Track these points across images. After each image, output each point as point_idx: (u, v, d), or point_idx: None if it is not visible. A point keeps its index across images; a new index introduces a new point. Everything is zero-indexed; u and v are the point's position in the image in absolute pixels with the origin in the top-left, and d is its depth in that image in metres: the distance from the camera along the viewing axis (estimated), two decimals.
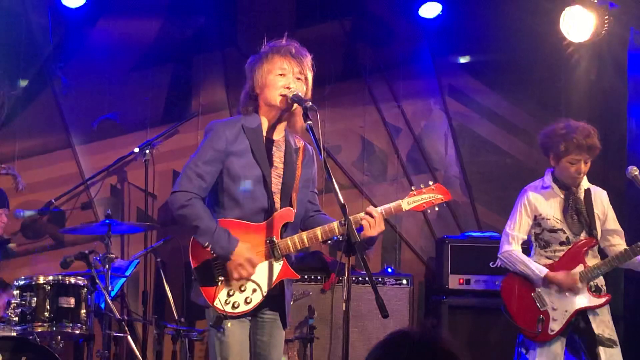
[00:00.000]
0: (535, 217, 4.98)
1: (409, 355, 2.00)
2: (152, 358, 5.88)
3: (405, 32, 6.90)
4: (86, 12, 6.41)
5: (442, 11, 6.64)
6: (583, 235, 4.94)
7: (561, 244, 4.94)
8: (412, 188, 3.79)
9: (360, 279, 5.93)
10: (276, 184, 3.77)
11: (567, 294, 4.85)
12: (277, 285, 3.73)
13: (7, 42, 6.34)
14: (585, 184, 5.00)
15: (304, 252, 5.97)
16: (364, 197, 6.73)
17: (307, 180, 3.89)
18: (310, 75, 3.81)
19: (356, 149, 6.83)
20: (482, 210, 6.83)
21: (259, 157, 3.73)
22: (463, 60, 7.04)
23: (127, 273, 5.69)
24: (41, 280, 4.93)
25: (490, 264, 5.48)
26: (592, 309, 4.85)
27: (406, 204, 3.75)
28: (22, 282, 4.93)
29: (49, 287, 4.92)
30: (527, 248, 5.07)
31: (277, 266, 3.71)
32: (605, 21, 6.08)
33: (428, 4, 6.64)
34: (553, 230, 4.94)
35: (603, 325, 4.84)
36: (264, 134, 3.80)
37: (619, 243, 5.00)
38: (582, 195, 4.97)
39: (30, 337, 4.82)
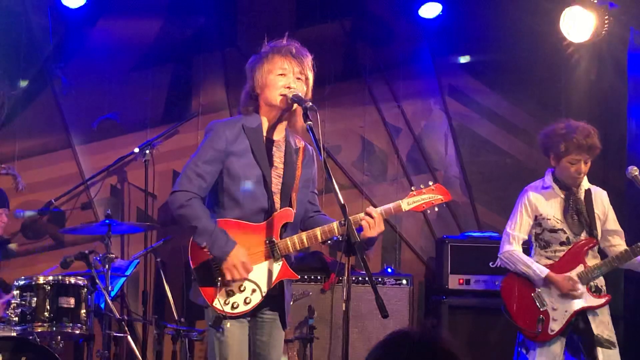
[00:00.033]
0: (536, 217, 4.98)
1: (409, 355, 2.00)
2: (152, 358, 5.88)
3: (405, 32, 6.90)
4: (86, 12, 6.41)
5: (442, 11, 6.64)
6: (583, 236, 4.94)
7: (561, 244, 4.94)
8: (412, 188, 3.78)
9: (360, 279, 5.93)
10: (276, 184, 3.77)
11: (567, 294, 4.85)
12: (276, 286, 3.72)
13: (7, 42, 6.34)
14: (585, 184, 5.00)
15: (304, 253, 5.97)
16: (364, 197, 6.74)
17: (307, 180, 3.89)
18: (311, 76, 3.81)
19: (356, 149, 6.83)
20: (482, 210, 6.83)
21: (259, 157, 3.73)
22: (463, 60, 7.04)
23: (127, 273, 5.69)
24: (41, 280, 4.93)
25: (490, 264, 5.48)
26: (592, 309, 4.85)
27: (406, 204, 3.74)
28: (22, 282, 4.93)
29: (49, 287, 4.92)
30: (527, 248, 5.07)
31: (277, 266, 3.71)
32: (605, 21, 6.09)
33: (428, 4, 6.64)
34: (553, 231, 4.94)
35: (602, 326, 4.84)
36: (264, 134, 3.80)
37: (619, 243, 5.00)
38: (582, 195, 4.97)
39: (30, 337, 4.82)
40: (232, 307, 3.64)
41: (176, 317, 5.58)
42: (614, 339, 4.83)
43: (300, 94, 3.70)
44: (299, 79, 3.76)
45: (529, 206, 4.99)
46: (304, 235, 3.71)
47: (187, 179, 3.71)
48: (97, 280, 5.02)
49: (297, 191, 3.81)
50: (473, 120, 6.92)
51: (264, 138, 3.79)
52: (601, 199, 5.03)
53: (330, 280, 5.98)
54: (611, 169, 6.26)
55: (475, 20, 6.77)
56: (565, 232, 4.93)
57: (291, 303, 3.98)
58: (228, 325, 3.63)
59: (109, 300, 4.99)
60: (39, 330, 4.86)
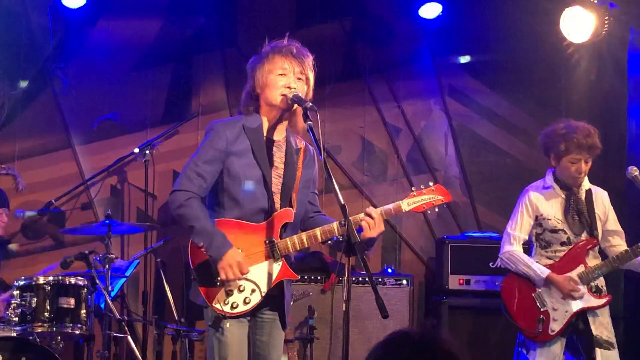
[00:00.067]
0: (537, 217, 4.98)
1: (409, 356, 1.99)
2: (152, 358, 5.88)
3: (405, 32, 6.90)
4: (86, 13, 6.41)
5: (442, 11, 6.64)
6: (584, 236, 4.94)
7: (562, 244, 4.94)
8: (412, 189, 3.78)
9: (360, 279, 5.93)
10: (276, 184, 3.77)
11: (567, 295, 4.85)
12: (276, 286, 3.72)
13: (7, 43, 6.34)
14: (586, 184, 5.00)
15: (304, 253, 5.97)
16: (364, 197, 6.73)
17: (308, 180, 3.89)
18: (311, 76, 3.81)
19: (356, 149, 6.83)
20: (482, 211, 6.83)
21: (259, 157, 3.73)
22: (463, 60, 7.04)
23: (127, 273, 5.69)
24: (41, 280, 4.93)
25: (490, 264, 5.48)
26: (593, 309, 4.85)
27: (406, 204, 3.74)
28: (22, 283, 4.93)
29: (49, 288, 4.92)
30: (527, 248, 5.07)
31: (277, 266, 3.71)
32: (605, 21, 6.09)
33: (428, 4, 6.64)
34: (554, 231, 4.94)
35: (602, 327, 4.84)
36: (265, 134, 3.80)
37: (619, 244, 5.00)
38: (583, 195, 4.97)
39: (30, 338, 4.82)
40: (232, 307, 3.64)
41: (176, 318, 5.58)
42: (613, 339, 4.83)
43: (300, 94, 3.70)
44: (299, 79, 3.76)
45: (529, 206, 4.99)
46: (303, 235, 3.71)
47: (187, 178, 3.71)
48: (97, 281, 5.02)
49: (298, 191, 3.81)
50: (473, 120, 6.92)
51: (265, 138, 3.79)
52: (602, 199, 5.03)
53: (330, 280, 5.98)
54: (611, 169, 6.26)
55: (475, 20, 6.77)
56: (566, 233, 4.93)
57: (291, 303, 3.98)
58: (227, 325, 3.63)
59: (109, 301, 4.99)
60: (39, 330, 4.86)
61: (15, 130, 6.40)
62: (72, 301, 4.95)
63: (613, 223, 5.03)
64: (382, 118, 6.85)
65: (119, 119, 6.54)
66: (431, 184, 3.81)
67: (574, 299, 4.83)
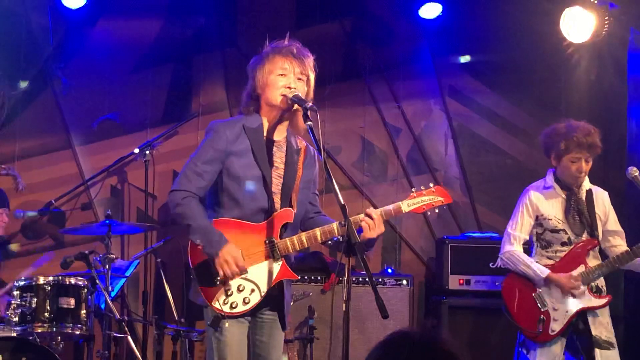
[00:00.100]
0: (537, 217, 4.98)
1: (409, 356, 1.99)
2: (152, 358, 5.89)
3: (405, 32, 6.90)
4: (86, 13, 6.41)
5: (442, 11, 6.64)
6: (584, 236, 4.93)
7: (563, 244, 4.94)
8: (413, 190, 3.78)
9: (360, 279, 5.93)
10: (276, 185, 3.77)
11: (568, 294, 4.84)
12: (276, 286, 3.72)
13: (7, 43, 6.34)
14: (587, 184, 5.00)
15: (304, 253, 5.97)
16: (364, 197, 6.73)
17: (308, 181, 3.89)
18: (312, 76, 3.81)
19: (356, 149, 6.83)
20: (482, 211, 6.83)
21: (259, 157, 3.73)
22: (463, 60, 7.03)
23: (127, 273, 5.69)
24: (41, 280, 4.93)
25: (491, 265, 5.48)
26: (593, 309, 4.85)
27: (406, 205, 3.74)
28: (22, 283, 4.93)
29: (49, 288, 4.92)
30: (527, 248, 5.07)
31: (276, 266, 3.71)
32: (606, 22, 6.09)
33: (428, 4, 6.64)
34: (555, 231, 4.94)
35: (601, 327, 4.84)
36: (265, 134, 3.80)
37: (620, 244, 5.00)
38: (583, 195, 4.97)
39: (31, 338, 4.82)
40: (231, 307, 3.63)
41: (176, 318, 5.58)
42: (613, 339, 4.83)
43: (300, 94, 3.70)
44: (299, 79, 3.76)
45: (530, 206, 4.99)
46: (303, 235, 3.71)
47: (186, 178, 3.72)
48: (97, 281, 5.02)
49: (298, 192, 3.81)
50: (473, 121, 6.92)
51: (265, 138, 3.79)
52: (602, 200, 5.02)
53: (330, 280, 5.98)
54: (611, 169, 6.26)
55: (475, 20, 6.76)
56: (566, 233, 4.93)
57: (291, 303, 3.98)
58: (227, 325, 3.63)
59: (109, 301, 4.99)
60: (39, 330, 4.86)
61: (15, 130, 6.40)
62: (72, 301, 4.96)
63: (613, 223, 5.03)
64: (382, 118, 6.85)
65: (119, 119, 6.54)
66: (431, 185, 3.81)
67: (575, 296, 4.83)
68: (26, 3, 6.37)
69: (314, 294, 5.87)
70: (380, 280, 6.05)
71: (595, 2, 6.07)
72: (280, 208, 3.75)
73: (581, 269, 4.86)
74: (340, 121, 6.77)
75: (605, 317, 4.88)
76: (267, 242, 3.70)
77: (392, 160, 6.84)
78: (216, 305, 3.62)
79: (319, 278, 6.02)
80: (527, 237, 5.03)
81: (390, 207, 3.71)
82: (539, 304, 4.88)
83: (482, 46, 6.94)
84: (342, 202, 3.37)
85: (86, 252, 4.99)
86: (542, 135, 5.05)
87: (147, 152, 6.20)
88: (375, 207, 3.69)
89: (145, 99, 6.59)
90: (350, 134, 6.83)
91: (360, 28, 6.90)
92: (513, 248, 4.98)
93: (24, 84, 6.44)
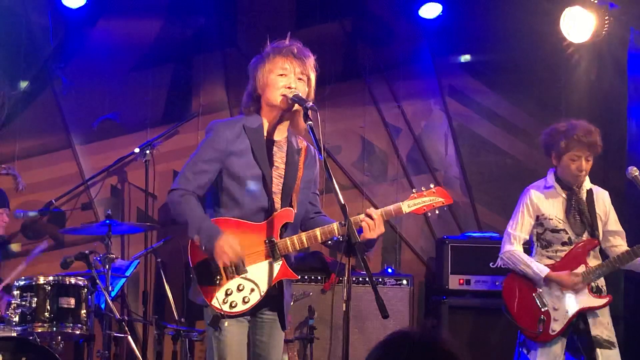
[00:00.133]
0: (538, 217, 4.98)
1: (409, 356, 1.99)
2: (152, 358, 5.88)
3: (405, 32, 6.90)
4: (86, 13, 6.41)
5: (442, 11, 6.64)
6: (585, 236, 4.93)
7: (563, 244, 4.94)
8: (413, 190, 3.78)
9: (360, 279, 5.93)
10: (277, 184, 3.77)
11: (568, 294, 4.85)
12: (276, 286, 3.72)
13: (7, 43, 6.34)
14: (587, 184, 5.00)
15: (304, 253, 5.97)
16: (364, 197, 6.73)
17: (309, 181, 3.89)
18: (313, 76, 3.81)
19: (356, 149, 6.83)
20: (482, 211, 6.83)
21: (259, 157, 3.74)
22: (463, 60, 7.04)
23: (128, 273, 5.69)
24: (41, 280, 4.93)
25: (491, 264, 5.48)
26: (593, 309, 4.85)
27: (406, 206, 3.74)
28: (22, 283, 4.93)
29: (49, 288, 4.92)
30: (528, 248, 5.07)
31: (276, 266, 3.71)
32: (606, 21, 6.09)
33: (428, 4, 6.64)
34: (555, 231, 4.94)
35: (602, 327, 4.83)
36: (265, 134, 3.80)
37: (620, 244, 5.00)
38: (584, 195, 4.97)
39: (31, 338, 4.82)
40: (231, 306, 3.63)
41: (176, 318, 5.58)
42: (613, 339, 4.83)
43: (300, 94, 3.70)
44: (300, 79, 3.76)
45: (530, 206, 4.99)
46: (303, 235, 3.71)
47: (185, 177, 3.74)
48: (97, 281, 5.02)
49: (298, 192, 3.81)
50: (473, 121, 6.92)
51: (265, 138, 3.79)
52: (603, 200, 5.02)
53: (330, 280, 5.98)
54: (611, 169, 6.26)
55: (475, 20, 6.77)
56: (567, 233, 4.93)
57: (291, 303, 3.97)
58: (226, 324, 3.63)
59: (109, 301, 4.99)
60: (39, 330, 4.86)
61: (15, 130, 6.40)
62: (72, 301, 4.96)
63: (614, 223, 5.03)
64: (382, 118, 6.85)
65: (119, 119, 6.54)
66: (432, 186, 3.81)
67: (577, 293, 4.82)
68: (26, 3, 6.37)
69: (314, 294, 5.87)
70: (380, 280, 6.06)
71: (595, 2, 6.07)
72: (281, 208, 3.75)
73: (581, 269, 4.86)
74: (340, 121, 6.77)
75: (605, 317, 4.88)
76: (267, 241, 3.70)
77: (392, 160, 6.85)
78: (215, 304, 3.62)
79: (319, 278, 6.02)
80: (528, 237, 5.03)
81: (391, 207, 3.71)
82: (539, 304, 4.88)
83: (482, 46, 6.94)
84: (342, 202, 3.37)
85: (86, 252, 5.00)
86: (543, 134, 5.06)
87: (147, 152, 6.20)
88: (376, 207, 3.69)
89: (145, 99, 6.59)
90: (350, 134, 6.83)
91: (360, 28, 6.90)
92: (513, 248, 4.98)
93: (24, 84, 6.45)
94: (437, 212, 3.78)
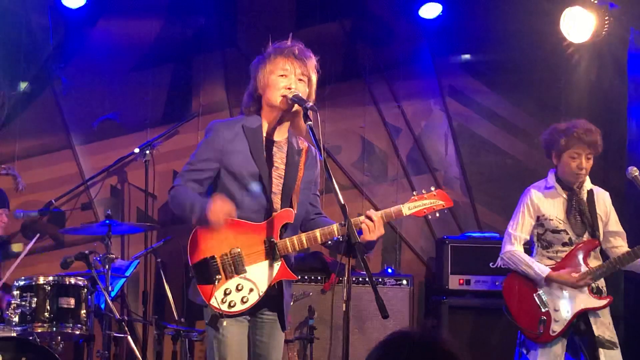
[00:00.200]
0: (538, 217, 4.98)
1: (409, 356, 1.99)
2: (152, 358, 5.88)
3: (405, 32, 6.89)
4: (86, 13, 6.41)
5: (442, 11, 6.63)
6: (586, 237, 4.93)
7: (564, 244, 4.93)
8: (414, 193, 3.78)
9: (360, 279, 5.93)
10: (277, 185, 3.77)
11: (568, 295, 4.84)
12: (275, 286, 3.72)
13: (7, 43, 6.34)
14: (588, 184, 5.00)
15: (304, 253, 5.97)
16: (364, 197, 6.73)
17: (309, 182, 3.89)
18: (314, 77, 3.81)
19: (356, 149, 6.83)
20: (482, 211, 6.83)
21: (257, 157, 3.74)
22: (463, 60, 7.03)
23: (127, 273, 5.69)
24: (41, 280, 4.93)
25: (491, 264, 5.48)
26: (594, 310, 4.84)
27: (407, 209, 3.74)
28: (22, 283, 4.93)
29: (49, 288, 4.92)
30: (528, 248, 5.07)
31: (275, 266, 3.71)
32: (606, 22, 6.09)
33: (428, 4, 6.63)
34: (556, 231, 4.94)
35: (603, 327, 4.83)
36: (265, 134, 3.80)
37: (621, 245, 5.00)
38: (585, 196, 4.97)
39: (31, 338, 4.82)
40: (229, 306, 3.63)
41: (176, 318, 5.58)
42: (615, 339, 4.83)
43: (300, 95, 3.70)
44: (300, 80, 3.76)
45: (531, 206, 4.99)
46: (303, 236, 3.70)
47: (182, 177, 3.78)
48: (97, 281, 5.02)
49: (299, 192, 3.81)
50: (473, 121, 6.92)
51: (264, 138, 3.79)
52: (603, 200, 5.02)
53: (330, 280, 5.98)
54: (611, 169, 6.26)
55: (475, 20, 6.76)
56: (567, 233, 4.92)
57: (291, 303, 3.97)
58: (225, 323, 3.63)
59: (109, 301, 4.99)
60: (39, 330, 4.86)
61: (15, 130, 6.40)
62: (72, 301, 4.96)
63: (615, 224, 5.02)
64: (382, 118, 6.85)
65: (119, 119, 6.54)
66: (433, 188, 3.81)
67: (577, 294, 4.81)
68: (26, 3, 6.37)
69: (314, 294, 5.87)
70: (380, 280, 6.05)
71: (595, 2, 6.07)
72: (281, 208, 3.75)
73: (582, 269, 4.86)
74: (340, 121, 6.77)
75: (606, 317, 4.87)
76: (266, 242, 3.70)
77: (392, 160, 6.84)
78: (214, 304, 3.62)
79: (319, 278, 6.02)
80: (528, 237, 5.02)
81: (391, 210, 3.71)
82: (539, 305, 4.87)
83: (482, 46, 6.94)
84: (342, 202, 3.37)
85: (86, 252, 4.99)
86: (543, 134, 5.07)
87: (147, 152, 6.20)
88: (376, 207, 3.70)
89: (145, 99, 6.59)
90: (350, 134, 6.83)
91: (360, 28, 6.89)
92: (514, 248, 4.98)
93: (24, 84, 6.44)
94: (437, 215, 3.79)
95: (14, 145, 6.39)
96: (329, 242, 3.81)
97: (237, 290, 3.65)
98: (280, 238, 3.71)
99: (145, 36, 6.61)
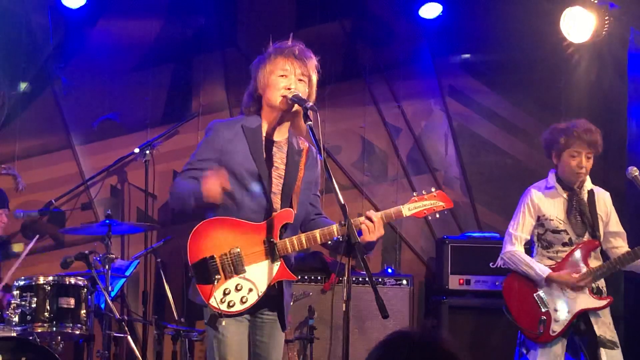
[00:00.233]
0: (539, 217, 4.98)
1: (409, 356, 2.00)
2: (152, 358, 5.89)
3: (405, 32, 6.90)
4: (86, 13, 6.41)
5: (442, 11, 6.63)
6: (586, 237, 4.93)
7: (564, 245, 4.93)
8: (414, 194, 3.77)
9: (360, 279, 5.93)
10: (277, 185, 3.77)
11: (569, 295, 4.84)
12: (275, 286, 3.72)
13: (7, 43, 6.34)
14: (588, 185, 5.00)
15: (304, 253, 5.97)
16: (364, 197, 6.73)
17: (310, 182, 3.89)
18: (314, 77, 3.80)
19: (356, 149, 6.83)
20: (482, 211, 6.83)
21: (256, 157, 3.74)
22: (463, 60, 7.03)
23: (127, 273, 5.69)
24: (41, 280, 4.93)
25: (491, 264, 5.48)
26: (594, 310, 4.84)
27: (407, 209, 3.73)
28: (22, 283, 4.93)
29: (49, 288, 4.92)
30: (528, 248, 5.07)
31: (275, 267, 3.70)
32: (606, 22, 6.09)
33: (428, 4, 6.64)
34: (556, 231, 4.93)
35: (604, 327, 4.83)
36: (264, 134, 3.80)
37: (621, 245, 4.99)
38: (585, 196, 4.96)
39: (31, 338, 4.82)
40: (228, 306, 3.63)
41: (176, 318, 5.58)
42: (616, 339, 4.83)
43: (300, 95, 3.69)
44: (301, 80, 3.76)
45: (531, 206, 4.98)
46: (303, 236, 3.70)
47: (181, 176, 3.80)
48: (97, 281, 5.02)
49: (299, 192, 3.81)
50: (473, 121, 6.92)
51: (264, 138, 3.79)
52: (604, 200, 5.02)
53: (330, 280, 5.98)
54: (611, 169, 6.26)
55: (475, 20, 6.77)
56: (568, 233, 4.92)
57: (291, 303, 3.97)
58: (224, 323, 3.62)
59: (109, 301, 4.99)
60: (39, 330, 4.86)
61: (15, 130, 6.40)
62: (72, 301, 4.96)
63: (615, 224, 5.02)
64: (382, 118, 6.85)
65: (119, 119, 6.54)
66: (433, 189, 3.81)
67: (577, 294, 4.81)
68: (26, 3, 6.37)
69: (314, 294, 5.87)
70: (380, 280, 6.06)
71: (595, 2, 6.07)
72: (280, 208, 3.75)
73: (582, 270, 4.85)
74: (340, 121, 6.77)
75: (607, 317, 4.87)
76: (266, 242, 3.69)
77: (392, 160, 6.85)
78: (213, 303, 3.61)
79: (319, 278, 6.03)
80: (528, 237, 5.02)
81: (391, 210, 3.71)
82: (540, 305, 4.87)
83: (482, 46, 6.94)
84: (342, 202, 3.37)
85: (86, 252, 4.99)
86: (543, 134, 5.07)
87: (147, 152, 6.21)
88: (376, 207, 3.71)
89: (145, 99, 6.59)
90: (350, 134, 6.83)
91: (360, 28, 6.90)
92: (514, 248, 4.98)
93: (24, 84, 6.45)
94: (437, 215, 3.78)
95: (14, 145, 6.39)
96: (329, 243, 3.81)
97: (237, 290, 3.65)
98: (280, 238, 3.71)
99: (145, 36, 6.61)
